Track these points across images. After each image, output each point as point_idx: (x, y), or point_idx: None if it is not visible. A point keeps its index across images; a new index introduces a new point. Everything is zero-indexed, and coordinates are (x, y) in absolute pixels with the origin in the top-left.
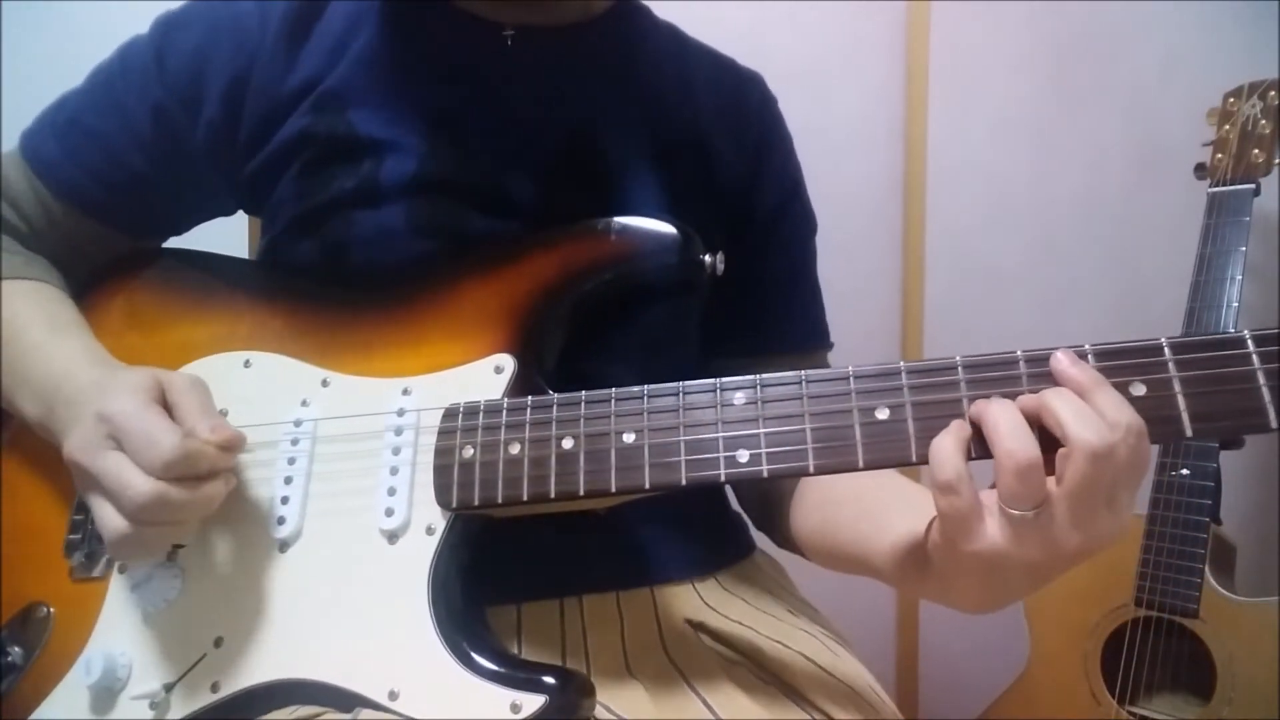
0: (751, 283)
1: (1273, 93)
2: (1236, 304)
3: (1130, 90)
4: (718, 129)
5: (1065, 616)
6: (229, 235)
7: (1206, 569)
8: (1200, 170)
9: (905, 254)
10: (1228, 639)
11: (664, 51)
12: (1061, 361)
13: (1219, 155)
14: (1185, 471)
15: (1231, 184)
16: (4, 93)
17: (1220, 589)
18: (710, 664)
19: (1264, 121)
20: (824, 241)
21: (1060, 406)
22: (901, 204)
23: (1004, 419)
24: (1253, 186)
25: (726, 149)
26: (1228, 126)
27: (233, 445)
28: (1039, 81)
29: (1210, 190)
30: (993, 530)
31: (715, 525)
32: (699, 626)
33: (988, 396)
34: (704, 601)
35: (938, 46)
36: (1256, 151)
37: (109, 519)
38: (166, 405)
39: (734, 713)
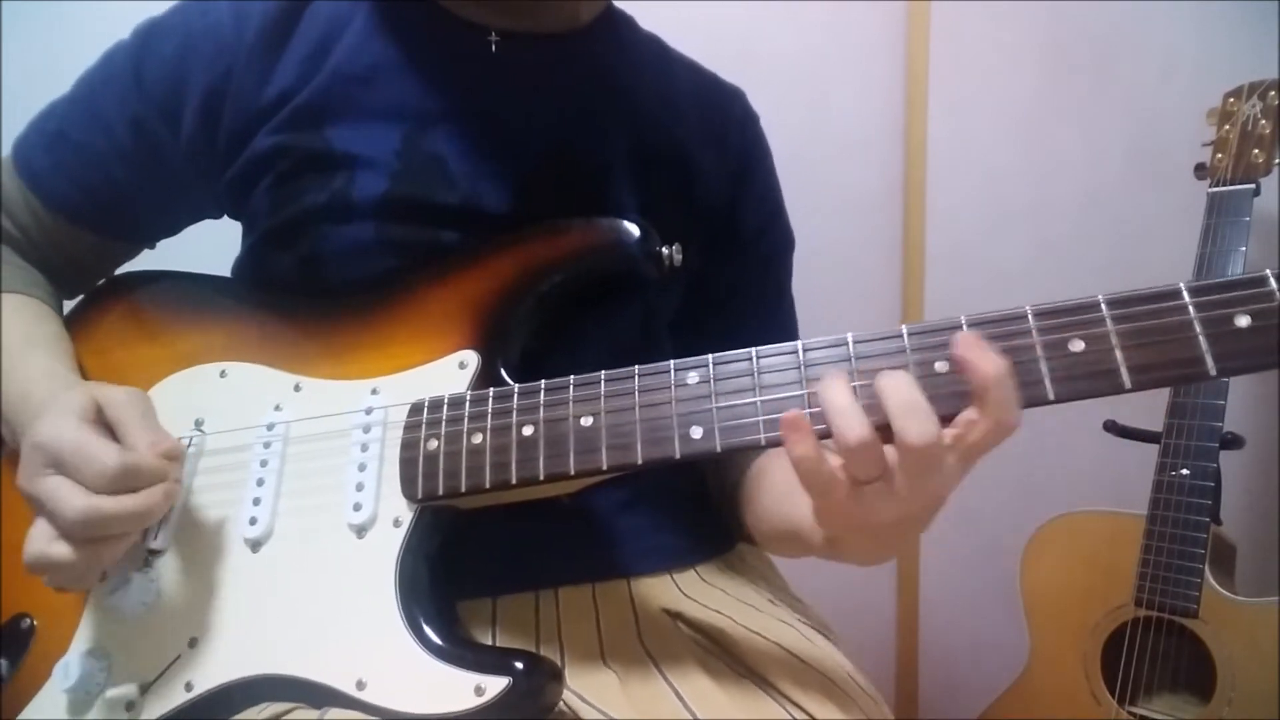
0: (729, 300)
1: (1273, 93)
2: None
3: (1130, 90)
4: (698, 142)
5: (1065, 616)
6: (220, 243)
7: (1206, 569)
8: (1200, 170)
9: (905, 254)
10: (1228, 639)
11: (647, 63)
12: (967, 347)
13: (1219, 155)
14: (1185, 471)
15: (1231, 184)
16: (4, 93)
17: (1220, 589)
18: (685, 655)
19: (1264, 121)
20: (824, 242)
21: (890, 396)
22: (901, 204)
23: (837, 400)
24: (1253, 186)
25: (706, 162)
26: (1228, 126)
27: (173, 455)
28: (1039, 81)
29: (1210, 190)
30: (848, 496)
31: (696, 519)
32: (677, 616)
33: (932, 362)
34: (682, 592)
35: (938, 46)
36: (1256, 151)
37: (34, 539)
38: (107, 423)
39: (705, 705)
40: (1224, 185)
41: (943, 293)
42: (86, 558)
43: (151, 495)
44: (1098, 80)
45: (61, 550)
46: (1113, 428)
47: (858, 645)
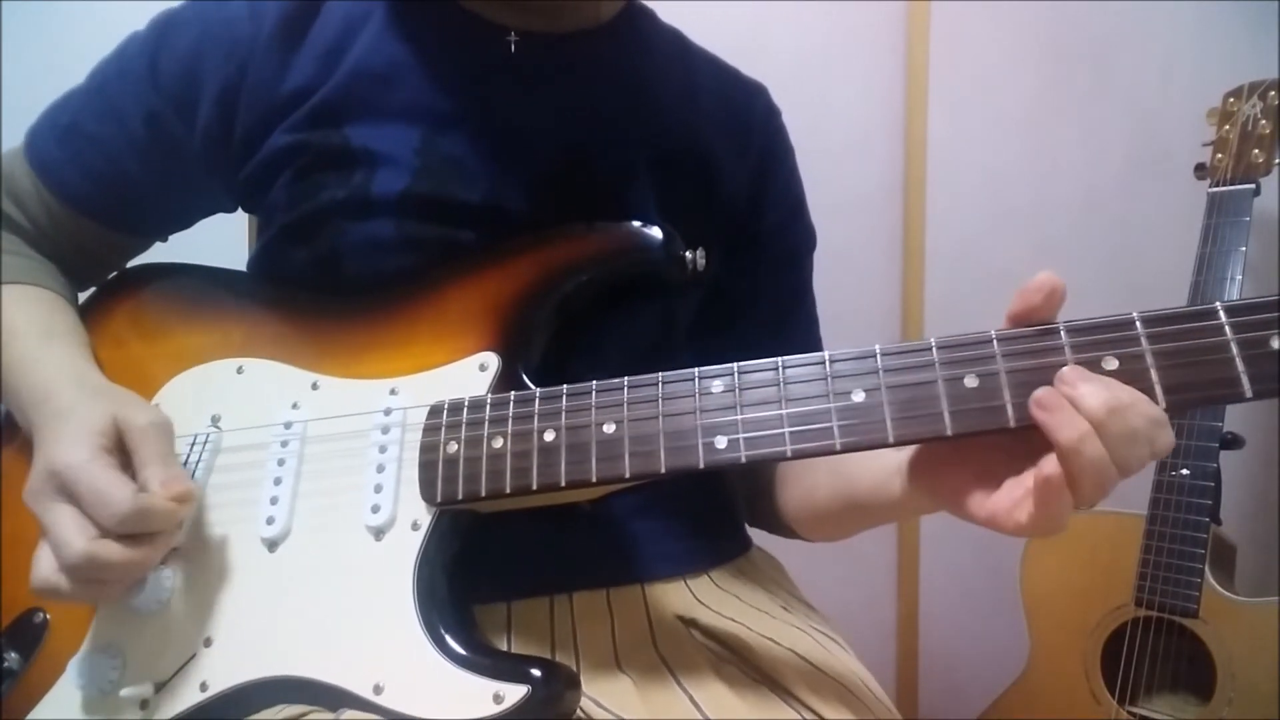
0: (750, 299)
1: (1273, 93)
2: None
3: (1130, 90)
4: (719, 139)
5: (1065, 616)
6: (230, 236)
7: (1206, 569)
8: (1200, 170)
9: (905, 254)
10: (1228, 639)
11: (668, 59)
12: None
13: (1219, 155)
14: (1185, 471)
15: (1231, 184)
16: (4, 92)
17: (1220, 589)
18: (700, 661)
19: (1264, 121)
20: (824, 242)
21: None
22: (901, 204)
23: (1116, 396)
24: (1253, 186)
25: (728, 159)
26: (1228, 126)
27: (185, 499)
28: (1039, 81)
29: (1210, 190)
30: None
31: (709, 522)
32: (690, 623)
33: (962, 377)
34: (696, 598)
35: (938, 46)
36: (1256, 151)
37: (40, 565)
38: (124, 449)
39: (721, 710)
40: (1224, 185)
41: (943, 292)
42: (87, 594)
43: (150, 551)
44: (1098, 80)
45: (65, 583)
46: None
47: (858, 645)
